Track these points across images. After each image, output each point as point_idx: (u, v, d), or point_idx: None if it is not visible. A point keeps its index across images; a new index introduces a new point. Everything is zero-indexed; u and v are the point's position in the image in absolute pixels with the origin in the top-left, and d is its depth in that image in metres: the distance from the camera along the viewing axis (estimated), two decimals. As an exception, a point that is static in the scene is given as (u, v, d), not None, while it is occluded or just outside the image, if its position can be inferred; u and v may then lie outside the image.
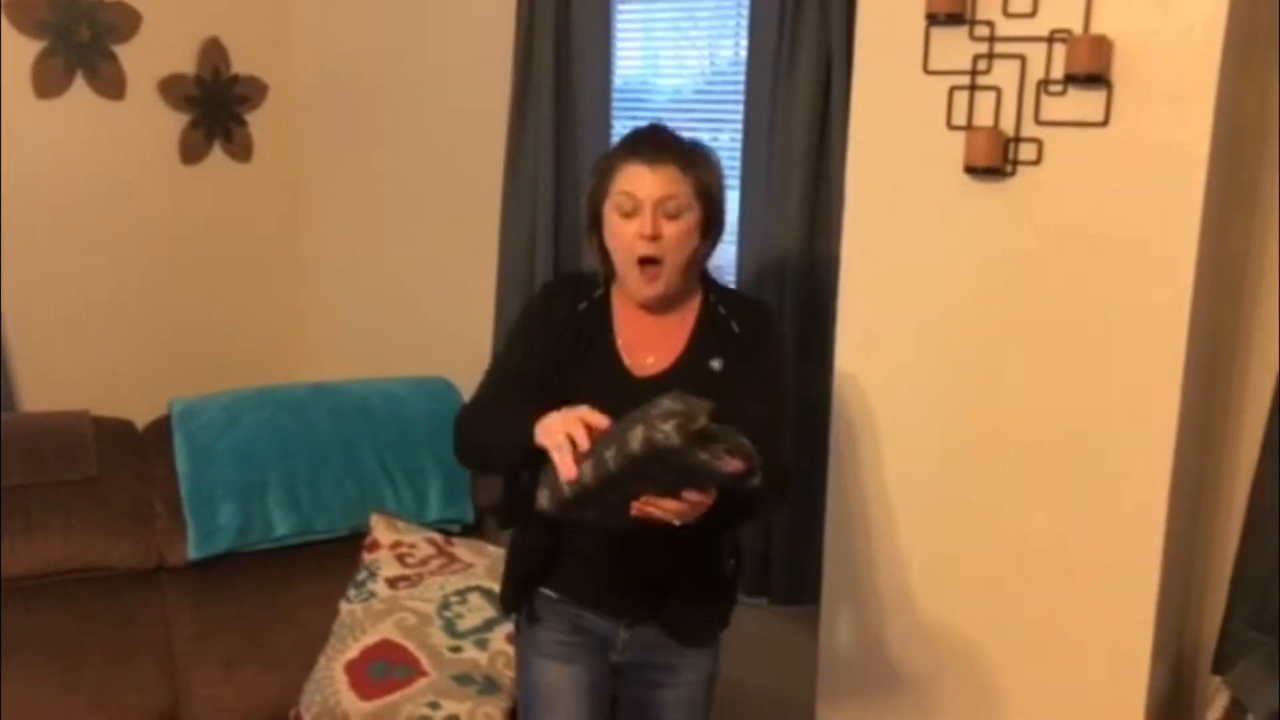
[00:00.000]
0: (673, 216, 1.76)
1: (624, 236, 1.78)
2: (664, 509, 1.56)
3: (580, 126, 2.98)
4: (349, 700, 2.31)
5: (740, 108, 2.79)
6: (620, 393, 1.79)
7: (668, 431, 1.48)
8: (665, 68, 3.03)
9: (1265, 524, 2.22)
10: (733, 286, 1.97)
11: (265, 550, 2.52)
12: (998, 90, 2.11)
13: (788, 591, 2.76)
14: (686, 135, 1.86)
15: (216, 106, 3.31)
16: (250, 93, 3.39)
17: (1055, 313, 2.11)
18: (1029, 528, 2.18)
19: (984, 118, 2.12)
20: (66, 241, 3.04)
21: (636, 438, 1.49)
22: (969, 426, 2.21)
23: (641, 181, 1.76)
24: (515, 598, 2.00)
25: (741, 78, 2.77)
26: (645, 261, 1.78)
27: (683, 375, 1.80)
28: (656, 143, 1.80)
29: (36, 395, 2.94)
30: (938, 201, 2.19)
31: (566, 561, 1.92)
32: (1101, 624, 2.14)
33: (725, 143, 2.95)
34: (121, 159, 3.13)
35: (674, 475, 1.53)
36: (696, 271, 1.86)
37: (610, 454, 1.51)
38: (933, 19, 2.13)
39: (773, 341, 1.89)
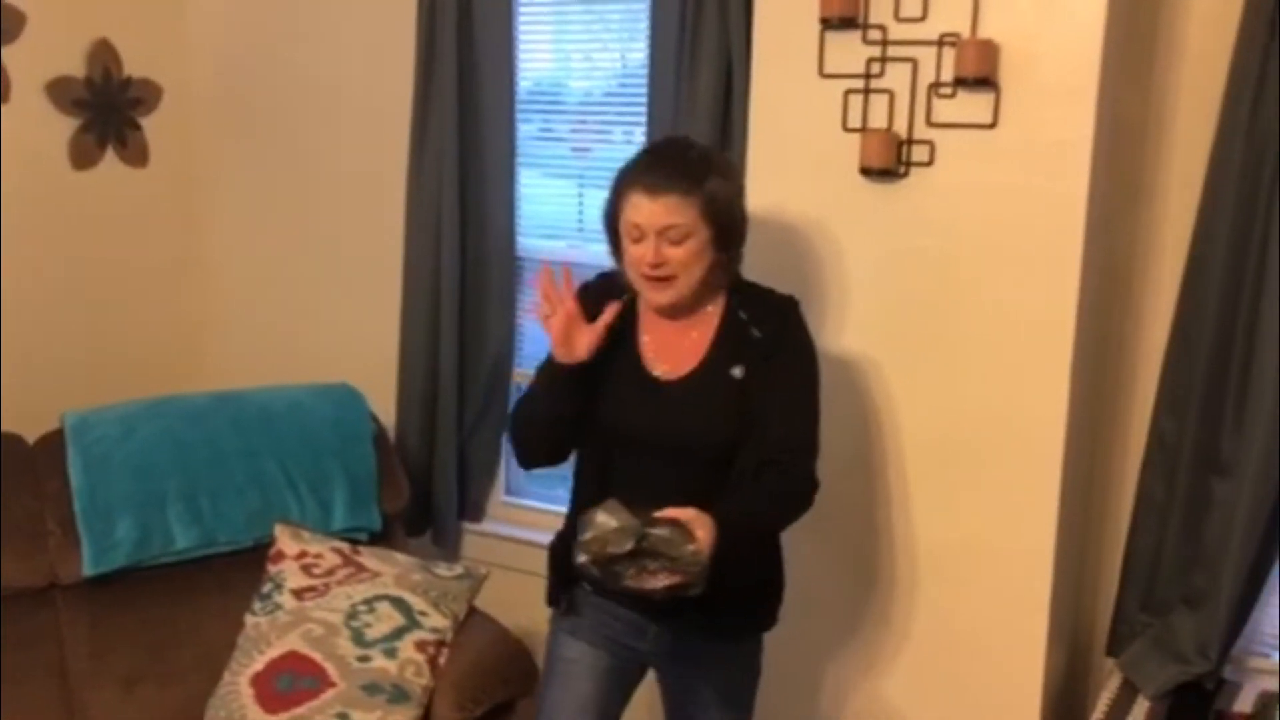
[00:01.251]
0: (676, 243, 1.80)
1: (633, 259, 1.85)
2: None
3: (484, 128, 2.96)
4: (255, 714, 2.27)
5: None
6: (642, 395, 1.90)
7: (583, 563, 1.63)
8: (577, 69, 3.03)
9: (1153, 512, 2.30)
10: (760, 283, 1.98)
11: (166, 564, 2.47)
12: (890, 93, 2.15)
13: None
14: (705, 144, 1.93)
15: (108, 110, 3.21)
16: (144, 95, 3.30)
17: (949, 310, 2.17)
18: (930, 522, 2.24)
19: (878, 120, 2.17)
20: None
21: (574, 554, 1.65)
22: (869, 423, 2.26)
23: (643, 211, 1.81)
24: (554, 590, 2.03)
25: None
26: (655, 278, 1.83)
27: (702, 381, 1.87)
28: (663, 166, 1.82)
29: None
30: (835, 202, 2.22)
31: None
32: (1001, 612, 2.20)
33: (638, 143, 2.96)
34: (7, 164, 3.02)
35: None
36: (719, 279, 1.89)
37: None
38: (826, 23, 2.16)
39: (793, 343, 1.90)
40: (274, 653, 2.33)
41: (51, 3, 3.04)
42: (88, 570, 2.38)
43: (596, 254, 3.04)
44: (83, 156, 3.19)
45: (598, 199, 3.06)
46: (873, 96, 2.17)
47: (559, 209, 3.06)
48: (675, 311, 1.89)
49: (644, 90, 2.80)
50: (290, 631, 2.36)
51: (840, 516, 2.30)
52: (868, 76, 2.17)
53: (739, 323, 1.89)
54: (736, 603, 1.88)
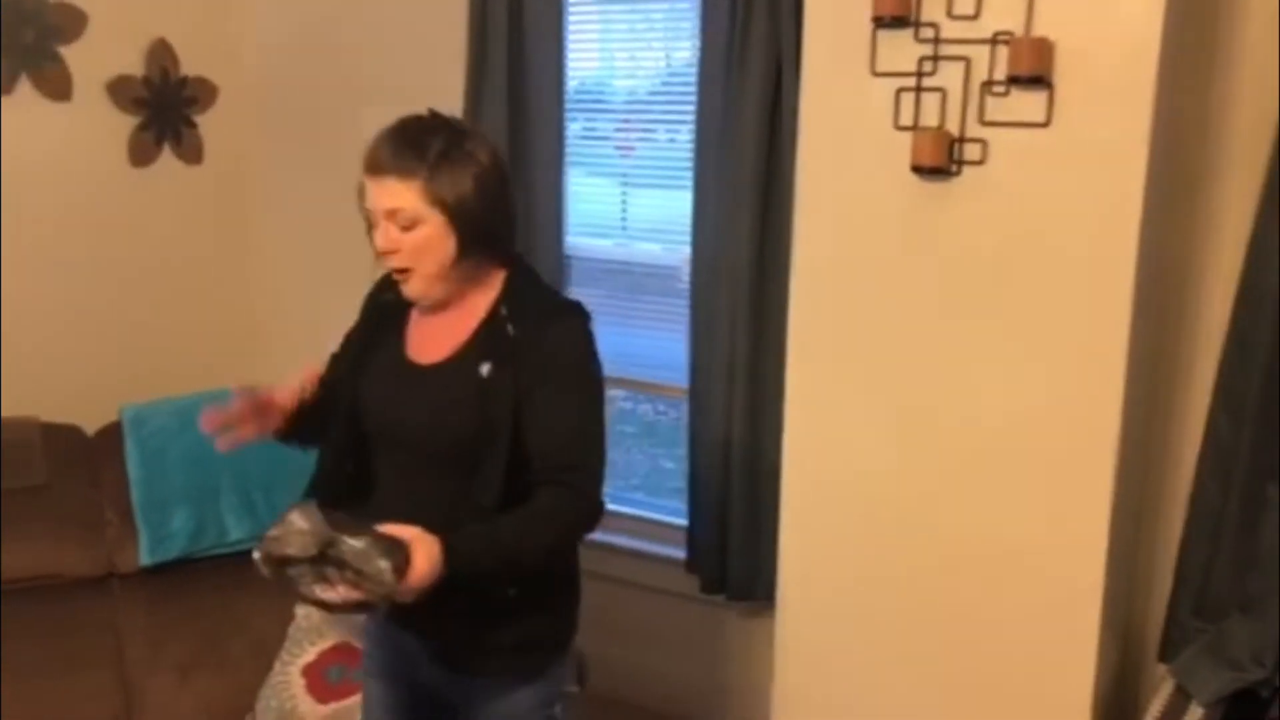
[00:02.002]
0: (406, 229, 1.67)
1: (373, 244, 1.72)
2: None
3: (532, 127, 2.98)
4: (306, 704, 2.31)
5: (693, 109, 2.81)
6: (397, 377, 1.78)
7: (257, 559, 1.51)
8: (621, 68, 3.04)
9: (1207, 515, 2.27)
10: (546, 285, 1.85)
11: (219, 555, 2.51)
12: (943, 91, 2.14)
13: (743, 588, 2.79)
14: (456, 124, 1.73)
15: (166, 108, 3.28)
16: (200, 94, 3.36)
17: (1001, 309, 2.15)
18: (982, 521, 2.22)
19: (930, 118, 2.15)
20: (14, 245, 3.00)
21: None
22: (921, 422, 2.24)
23: (369, 194, 1.69)
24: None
25: (692, 80, 2.78)
26: (396, 270, 1.72)
27: (449, 372, 1.74)
28: (387, 147, 1.67)
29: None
30: (886, 201, 2.21)
31: None
32: (1051, 614, 2.17)
33: (682, 142, 2.98)
34: (69, 162, 3.10)
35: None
36: (481, 271, 1.76)
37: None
38: (879, 22, 2.15)
39: (560, 350, 1.72)
40: (324, 644, 2.37)
41: (112, 3, 3.10)
42: (144, 560, 2.43)
43: (643, 253, 3.08)
44: (141, 153, 3.25)
45: (641, 198, 3.10)
46: (925, 95, 2.15)
47: (603, 208, 3.08)
48: (431, 305, 1.77)
49: (688, 89, 2.82)
50: (341, 623, 2.39)
51: (886, 513, 2.29)
52: (919, 75, 2.15)
53: (499, 318, 1.75)
54: (472, 631, 1.74)
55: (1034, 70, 2.03)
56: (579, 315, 1.77)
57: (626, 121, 3.06)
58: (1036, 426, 2.15)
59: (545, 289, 1.84)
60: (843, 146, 2.25)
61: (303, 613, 2.43)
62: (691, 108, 2.80)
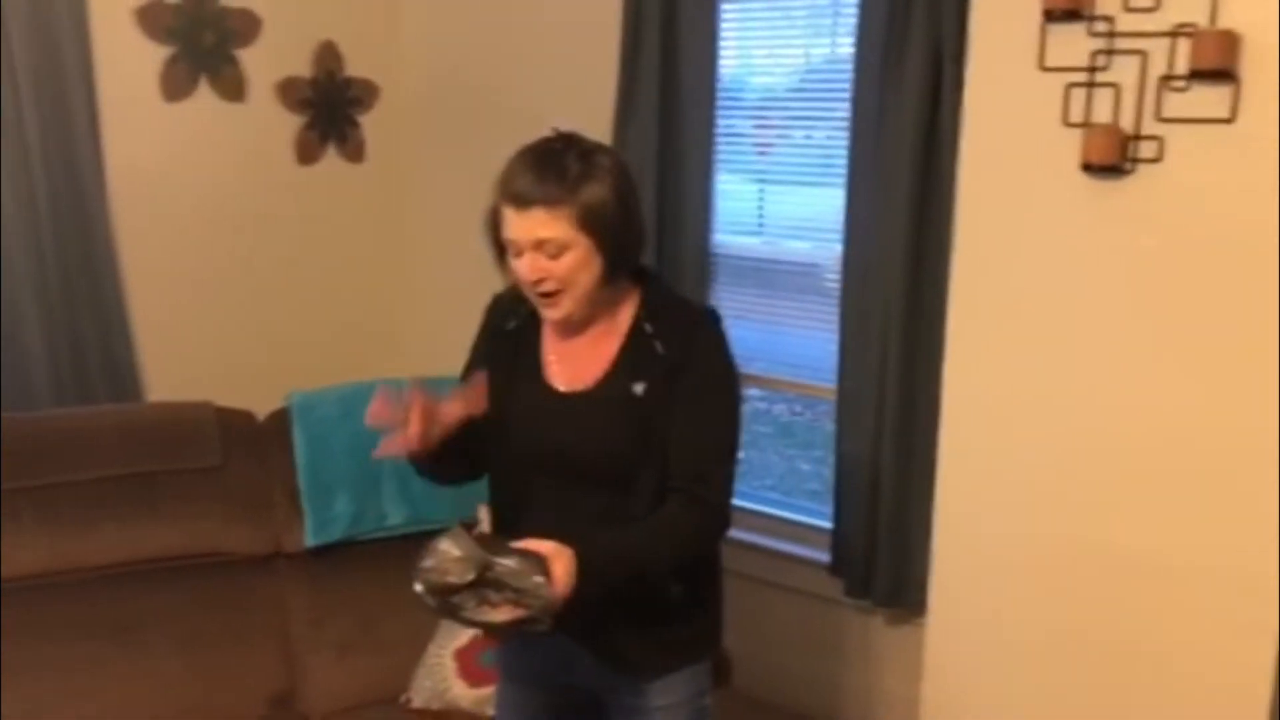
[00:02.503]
0: (554, 257, 1.68)
1: (519, 273, 1.73)
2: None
3: (684, 125, 2.98)
4: (459, 687, 2.37)
5: (837, 105, 2.79)
6: (542, 410, 1.79)
7: (420, 592, 1.56)
8: (759, 65, 3.04)
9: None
10: (678, 294, 1.86)
11: (378, 539, 2.59)
12: (1116, 87, 2.06)
13: (890, 595, 2.74)
14: (589, 141, 1.75)
15: (331, 108, 3.40)
16: (363, 95, 3.48)
17: (1173, 314, 2.06)
18: (1146, 536, 2.13)
19: (1102, 115, 2.08)
20: (191, 239, 3.17)
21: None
22: (1084, 431, 2.17)
23: (515, 227, 1.70)
24: None
25: (838, 75, 2.77)
26: (543, 294, 1.73)
27: (601, 396, 1.75)
28: (529, 174, 1.69)
29: (161, 386, 3.06)
30: (1053, 201, 2.15)
31: None
32: (1221, 635, 2.08)
33: (820, 140, 2.95)
34: (241, 159, 3.25)
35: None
36: (619, 287, 1.77)
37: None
38: (1050, 15, 2.09)
39: (705, 360, 1.76)
40: (476, 630, 2.42)
41: (283, 7, 3.24)
42: (309, 541, 2.53)
43: (789, 250, 3.06)
44: (307, 152, 3.39)
45: (779, 195, 3.09)
46: (1097, 90, 2.09)
47: (739, 205, 3.08)
48: (573, 326, 1.78)
49: (828, 86, 2.80)
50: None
51: (1045, 524, 2.22)
52: (1092, 70, 2.08)
53: (644, 336, 1.76)
54: (636, 631, 1.78)
55: (1219, 64, 1.94)
56: (718, 323, 1.80)
57: (765, 119, 3.05)
58: (1206, 438, 2.05)
59: (679, 298, 1.87)
60: (1008, 144, 2.20)
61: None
62: (831, 105, 2.79)
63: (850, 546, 2.80)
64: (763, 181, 3.10)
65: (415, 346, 3.65)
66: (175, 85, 3.08)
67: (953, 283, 2.30)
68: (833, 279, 2.90)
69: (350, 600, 2.56)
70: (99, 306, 2.93)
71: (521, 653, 1.91)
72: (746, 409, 4.88)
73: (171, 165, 3.10)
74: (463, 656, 2.40)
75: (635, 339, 1.76)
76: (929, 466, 2.43)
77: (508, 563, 1.52)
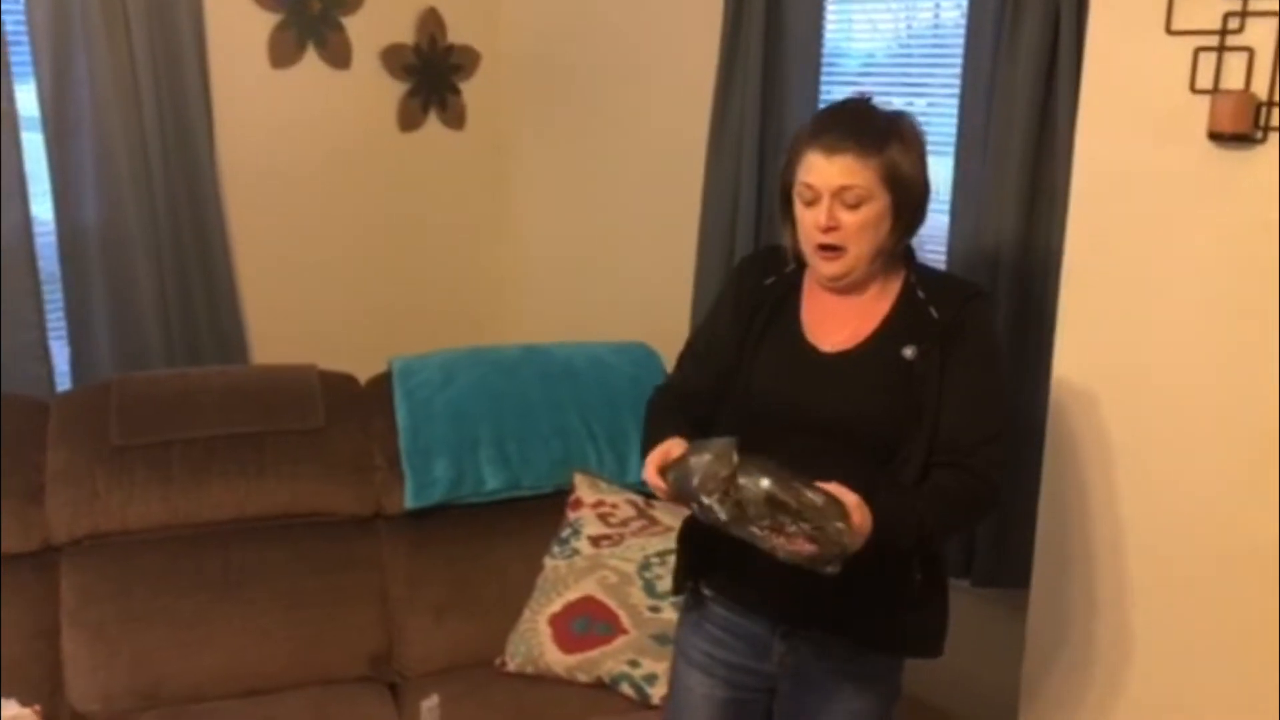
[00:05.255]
0: (853, 206, 1.67)
1: (805, 224, 1.72)
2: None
3: (787, 93, 2.94)
4: (552, 652, 2.39)
5: (940, 73, 2.74)
6: (801, 367, 1.75)
7: (710, 503, 1.50)
8: (859, 32, 2.96)
9: None
10: (941, 268, 1.84)
11: (475, 504, 2.61)
12: (1250, 51, 1.95)
13: (990, 575, 2.68)
14: (890, 107, 1.75)
15: (433, 75, 3.42)
16: (464, 61, 3.49)
17: (1307, 291, 1.96)
18: (1263, 529, 2.04)
19: (1233, 81, 1.98)
20: (296, 205, 3.22)
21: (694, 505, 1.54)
22: (1203, 418, 2.08)
23: (819, 171, 1.68)
24: (678, 581, 1.94)
25: (942, 42, 2.71)
26: (825, 247, 1.71)
27: (869, 357, 1.73)
28: (841, 126, 1.69)
29: (267, 349, 3.13)
30: (1178, 171, 2.05)
31: (725, 553, 1.77)
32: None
33: (922, 108, 2.88)
34: (346, 126, 3.29)
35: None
36: (892, 255, 1.76)
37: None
38: (1179, -25, 1.99)
39: (979, 331, 1.74)
40: (571, 596, 2.43)
41: (388, -26, 3.26)
42: (409, 504, 2.56)
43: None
44: (409, 118, 3.42)
45: None
46: (1228, 55, 1.98)
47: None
48: (845, 286, 1.75)
49: (931, 53, 2.76)
50: (586, 577, 2.45)
51: (1155, 510, 2.14)
52: (1224, 33, 1.97)
53: (916, 301, 1.74)
54: (874, 607, 1.73)
55: (1364, 26, 1.83)
56: (988, 296, 1.79)
57: (865, 87, 2.98)
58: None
59: (949, 273, 1.86)
60: (1130, 111, 2.10)
61: (550, 565, 2.51)
62: (933, 72, 2.75)
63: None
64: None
65: (514, 313, 3.67)
66: (283, 52, 3.13)
67: (1066, 256, 2.22)
68: (934, 250, 2.83)
69: (447, 563, 2.59)
70: (208, 271, 3.00)
71: (715, 640, 1.86)
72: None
73: (278, 131, 3.16)
74: (557, 622, 2.41)
75: (907, 302, 1.75)
76: (1034, 445, 2.36)
77: (814, 499, 1.49)
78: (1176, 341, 2.09)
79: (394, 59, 3.34)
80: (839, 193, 1.67)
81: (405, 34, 3.36)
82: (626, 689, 2.34)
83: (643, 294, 3.36)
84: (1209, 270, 2.05)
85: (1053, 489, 2.28)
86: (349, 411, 2.65)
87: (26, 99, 2.71)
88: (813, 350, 1.76)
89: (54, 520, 2.42)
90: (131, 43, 2.78)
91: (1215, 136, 1.99)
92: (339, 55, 3.22)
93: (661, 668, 2.32)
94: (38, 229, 2.77)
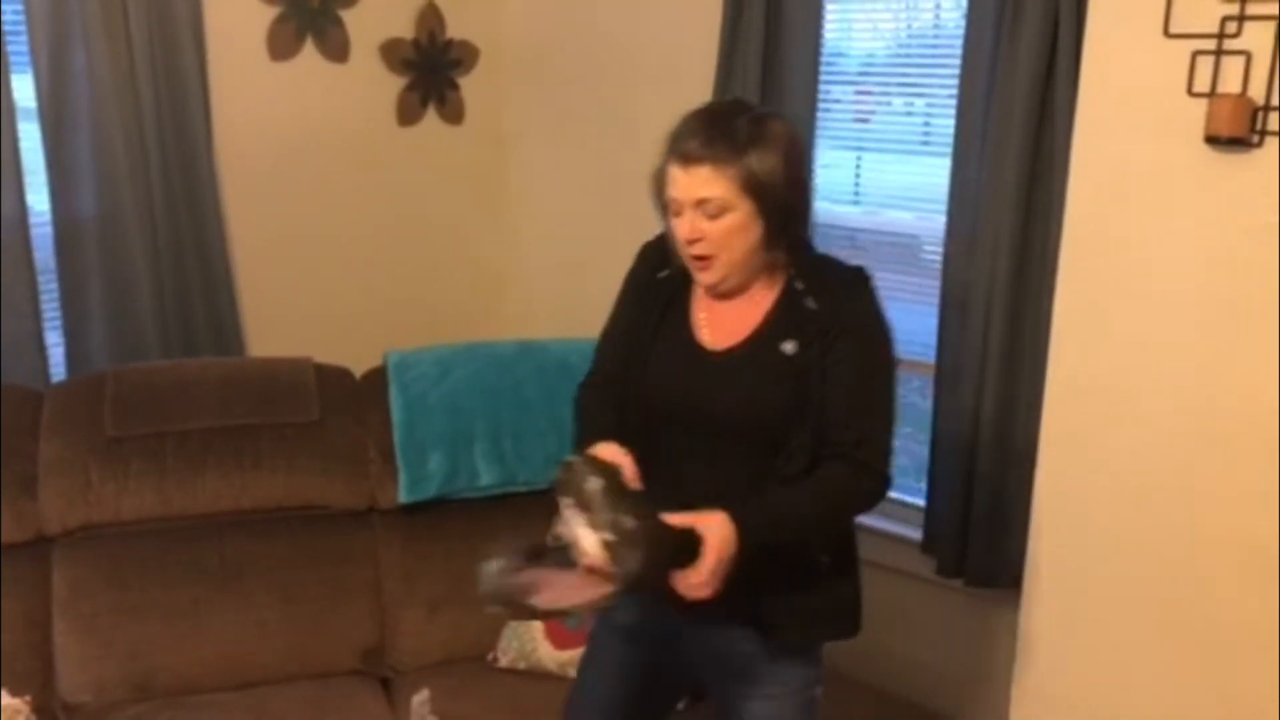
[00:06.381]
0: (714, 217, 1.66)
1: (674, 235, 1.73)
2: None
3: (786, 92, 2.93)
4: (545, 649, 2.39)
5: (939, 74, 2.74)
6: (688, 366, 1.76)
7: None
8: (859, 32, 2.97)
9: None
10: (828, 255, 1.80)
11: (469, 499, 2.62)
12: (1248, 54, 1.96)
13: (983, 576, 2.69)
14: (760, 109, 1.74)
15: (431, 70, 3.42)
16: (463, 57, 3.49)
17: (1300, 295, 1.97)
18: (1259, 526, 2.05)
19: (1230, 84, 1.98)
20: (293, 197, 3.22)
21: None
22: (1199, 419, 2.08)
23: (677, 184, 1.68)
24: None
25: (941, 43, 2.72)
26: (696, 256, 1.71)
27: (750, 354, 1.73)
28: (698, 136, 1.67)
29: (263, 342, 3.13)
30: (1174, 174, 2.06)
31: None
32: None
33: (920, 109, 2.89)
34: (344, 120, 3.28)
35: None
36: (774, 257, 1.75)
37: None
38: (1178, -21, 2.00)
39: (858, 319, 1.72)
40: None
41: (388, -32, 3.26)
42: (403, 498, 2.57)
43: (887, 221, 3.00)
44: (407, 113, 3.42)
45: (877, 165, 3.01)
46: (1225, 58, 1.99)
47: (835, 174, 3.04)
48: (724, 292, 1.75)
49: (929, 54, 2.77)
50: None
51: (1151, 510, 2.15)
52: (1221, 36, 1.98)
53: (795, 294, 1.73)
54: (790, 601, 1.74)
55: (1361, 31, 1.83)
56: (870, 282, 1.76)
57: (864, 87, 2.99)
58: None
59: (829, 258, 1.82)
60: (1127, 114, 2.11)
61: (544, 560, 2.51)
62: (932, 74, 2.75)
63: (943, 525, 2.76)
64: (860, 151, 3.04)
65: (510, 308, 3.67)
66: (282, 45, 3.12)
67: (1063, 258, 2.22)
68: (931, 251, 2.84)
69: (441, 558, 2.59)
70: (205, 263, 3.00)
71: (642, 614, 1.86)
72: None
73: (276, 125, 3.15)
74: (550, 619, 2.41)
75: (787, 297, 1.74)
76: (1029, 447, 2.37)
77: (625, 519, 1.51)
78: (1172, 343, 2.10)
79: (393, 53, 3.34)
80: (699, 204, 1.67)
81: (404, 28, 3.35)
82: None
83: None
84: (1205, 273, 2.06)
85: (1047, 490, 2.29)
86: (344, 405, 2.65)
87: (24, 90, 2.71)
88: (700, 349, 1.77)
89: (47, 511, 2.42)
90: (130, 34, 2.77)
91: (1212, 140, 2.00)
92: (338, 49, 3.22)
93: (654, 664, 2.32)
94: (34, 220, 2.76)
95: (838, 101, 3.00)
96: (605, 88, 3.39)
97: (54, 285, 2.85)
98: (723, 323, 1.77)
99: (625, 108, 3.35)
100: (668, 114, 3.20)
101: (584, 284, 3.55)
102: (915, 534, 2.88)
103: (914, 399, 5.09)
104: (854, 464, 1.70)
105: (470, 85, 3.52)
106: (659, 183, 1.74)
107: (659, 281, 1.83)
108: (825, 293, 1.72)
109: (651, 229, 3.38)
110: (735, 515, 1.59)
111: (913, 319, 2.94)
